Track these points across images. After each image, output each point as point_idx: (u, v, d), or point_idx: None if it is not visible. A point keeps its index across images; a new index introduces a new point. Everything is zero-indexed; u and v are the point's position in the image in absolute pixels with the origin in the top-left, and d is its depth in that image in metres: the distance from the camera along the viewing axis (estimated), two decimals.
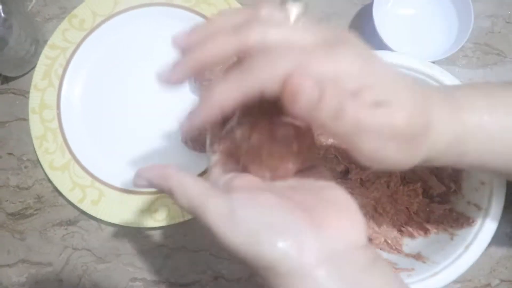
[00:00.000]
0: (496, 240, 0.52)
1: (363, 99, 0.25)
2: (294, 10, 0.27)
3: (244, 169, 0.30)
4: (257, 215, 0.25)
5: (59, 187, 0.56)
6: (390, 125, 0.25)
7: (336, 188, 0.29)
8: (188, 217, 0.54)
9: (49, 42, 0.59)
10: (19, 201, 0.57)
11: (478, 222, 0.44)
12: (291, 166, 0.30)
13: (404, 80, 0.27)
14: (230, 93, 0.25)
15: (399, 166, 0.28)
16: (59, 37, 0.59)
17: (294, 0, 0.27)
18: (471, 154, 0.32)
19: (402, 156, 0.28)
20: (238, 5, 0.57)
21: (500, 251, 0.53)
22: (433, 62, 0.52)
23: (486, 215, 0.44)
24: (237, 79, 0.25)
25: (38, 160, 0.57)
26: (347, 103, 0.24)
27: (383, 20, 0.53)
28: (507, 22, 0.57)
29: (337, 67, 0.24)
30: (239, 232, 0.25)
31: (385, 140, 0.26)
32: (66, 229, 0.57)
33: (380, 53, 0.47)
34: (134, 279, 0.55)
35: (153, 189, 0.54)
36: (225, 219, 0.25)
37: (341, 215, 0.27)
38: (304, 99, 0.24)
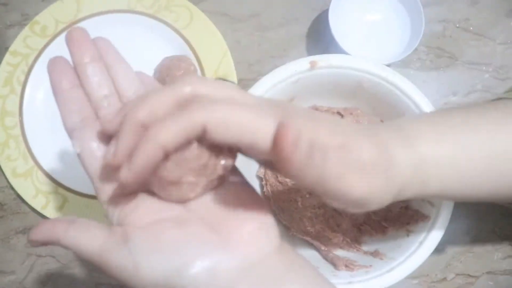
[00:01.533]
0: (451, 236, 0.54)
1: (333, 147, 0.26)
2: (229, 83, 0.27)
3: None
4: (163, 261, 0.25)
5: (22, 194, 0.56)
6: (363, 160, 0.27)
7: (243, 186, 0.29)
8: None
9: (10, 49, 0.59)
10: None
11: (432, 218, 0.46)
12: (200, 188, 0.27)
13: (355, 127, 0.30)
14: (172, 130, 0.24)
15: (382, 201, 0.30)
16: (21, 44, 0.59)
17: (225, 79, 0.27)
18: (432, 183, 0.33)
19: (383, 189, 0.29)
20: (201, 14, 0.58)
21: (455, 247, 0.55)
22: (389, 65, 0.54)
23: (438, 211, 0.46)
24: (182, 114, 0.24)
25: (0, 168, 0.57)
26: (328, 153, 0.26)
27: (339, 25, 0.55)
28: (458, 27, 0.60)
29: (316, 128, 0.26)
30: (150, 281, 0.25)
31: (365, 177, 0.27)
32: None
33: (337, 57, 0.48)
34: (99, 284, 0.55)
35: None
36: (131, 272, 0.25)
37: (250, 222, 0.27)
38: (298, 156, 0.23)
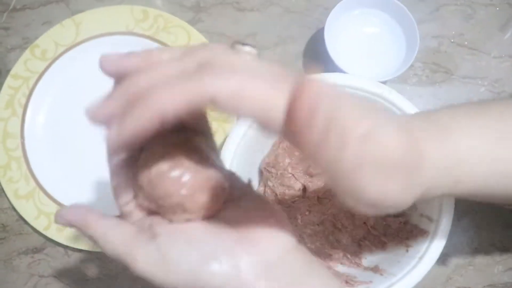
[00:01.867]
0: (452, 249, 0.54)
1: (355, 133, 0.23)
2: (246, 53, 0.26)
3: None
4: (189, 251, 0.25)
5: (24, 215, 0.56)
6: (386, 156, 0.24)
7: (254, 194, 0.30)
8: None
9: (11, 72, 0.60)
10: None
11: (430, 233, 0.46)
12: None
13: (388, 115, 0.26)
14: (177, 97, 0.21)
15: (400, 204, 0.26)
16: (22, 67, 0.60)
17: (244, 43, 0.26)
18: (466, 180, 0.31)
19: (403, 191, 0.25)
20: (198, 35, 0.59)
21: (455, 260, 0.55)
22: (385, 82, 0.54)
23: (437, 226, 0.46)
24: (189, 80, 0.22)
25: (2, 189, 0.57)
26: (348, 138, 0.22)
27: (335, 43, 0.55)
28: (452, 42, 0.60)
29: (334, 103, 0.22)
30: (176, 273, 0.25)
31: (385, 175, 0.24)
32: (32, 257, 0.57)
33: (334, 75, 0.49)
34: None
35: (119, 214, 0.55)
36: (158, 265, 0.25)
37: (267, 221, 0.27)
38: (313, 133, 0.22)
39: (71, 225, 0.28)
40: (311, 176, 0.51)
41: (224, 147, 0.48)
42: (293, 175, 0.51)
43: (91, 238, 0.27)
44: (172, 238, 0.26)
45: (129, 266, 0.26)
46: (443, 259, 0.54)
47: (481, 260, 0.55)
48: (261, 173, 0.53)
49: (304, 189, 0.51)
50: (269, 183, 0.51)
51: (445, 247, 0.45)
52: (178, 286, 0.25)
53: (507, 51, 0.60)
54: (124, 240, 0.26)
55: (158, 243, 0.25)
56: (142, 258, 0.25)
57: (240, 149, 0.48)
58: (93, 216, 0.27)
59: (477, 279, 0.54)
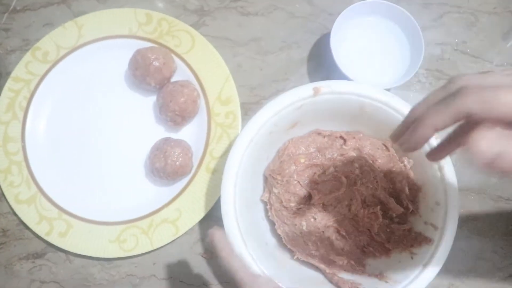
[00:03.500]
0: (454, 255, 0.54)
1: None
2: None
3: None
4: None
5: (25, 221, 0.55)
6: None
7: None
8: (156, 245, 0.54)
9: (12, 75, 0.59)
10: None
11: (435, 241, 0.47)
12: None
13: None
14: (442, 117, 0.31)
15: None
16: (22, 70, 0.59)
17: None
18: None
19: None
20: (202, 39, 0.59)
21: (457, 266, 0.55)
22: (389, 88, 0.54)
23: (441, 234, 0.47)
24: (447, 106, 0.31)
25: (2, 194, 0.57)
26: None
27: (340, 50, 0.55)
28: (455, 49, 0.61)
29: None
30: None
31: None
32: (33, 262, 0.56)
33: (340, 83, 0.49)
34: None
35: (120, 220, 0.55)
36: None
37: None
38: None
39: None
40: (316, 183, 0.51)
41: (230, 154, 0.47)
42: (298, 182, 0.51)
43: None
44: None
45: None
46: (445, 265, 0.54)
47: (482, 266, 0.55)
48: (265, 179, 0.53)
49: (309, 196, 0.51)
50: (274, 190, 0.51)
51: None
52: None
53: (509, 59, 0.61)
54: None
55: None
56: None
57: (246, 156, 0.48)
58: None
59: (478, 286, 0.55)
